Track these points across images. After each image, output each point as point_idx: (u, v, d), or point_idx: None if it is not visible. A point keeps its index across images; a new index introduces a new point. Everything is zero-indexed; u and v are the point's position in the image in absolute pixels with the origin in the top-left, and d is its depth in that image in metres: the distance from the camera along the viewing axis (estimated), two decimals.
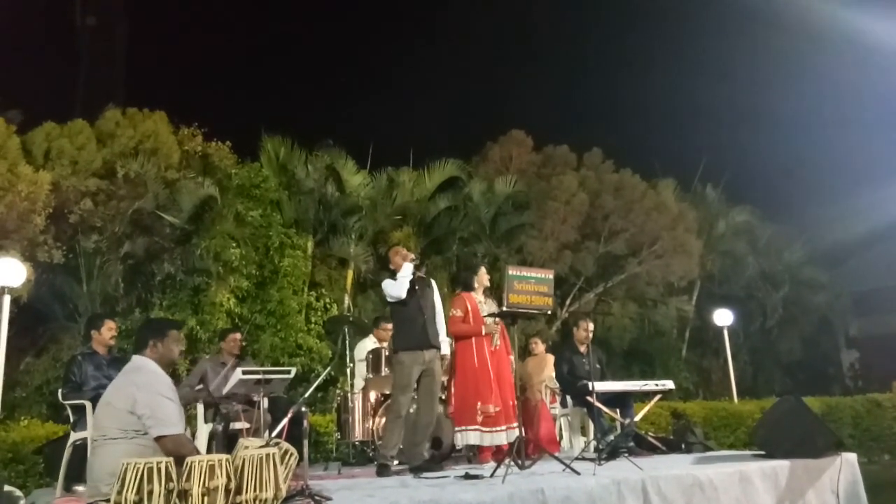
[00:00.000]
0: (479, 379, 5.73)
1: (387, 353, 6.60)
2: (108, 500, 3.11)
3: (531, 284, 5.21)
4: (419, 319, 5.48)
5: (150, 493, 3.01)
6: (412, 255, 5.74)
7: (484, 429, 5.62)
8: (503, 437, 5.60)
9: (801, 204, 20.57)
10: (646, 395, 6.98)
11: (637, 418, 6.81)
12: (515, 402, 5.54)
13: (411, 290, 5.48)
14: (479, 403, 5.65)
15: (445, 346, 5.79)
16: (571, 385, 6.94)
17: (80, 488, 4.87)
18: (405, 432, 5.44)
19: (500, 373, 5.77)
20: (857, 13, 16.67)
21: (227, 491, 3.14)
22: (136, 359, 3.77)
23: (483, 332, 5.83)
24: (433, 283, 5.89)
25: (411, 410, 5.63)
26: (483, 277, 6.11)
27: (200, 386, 6.10)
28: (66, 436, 5.37)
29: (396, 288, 5.48)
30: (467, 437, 5.68)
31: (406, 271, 5.52)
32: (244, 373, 5.14)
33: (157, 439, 3.43)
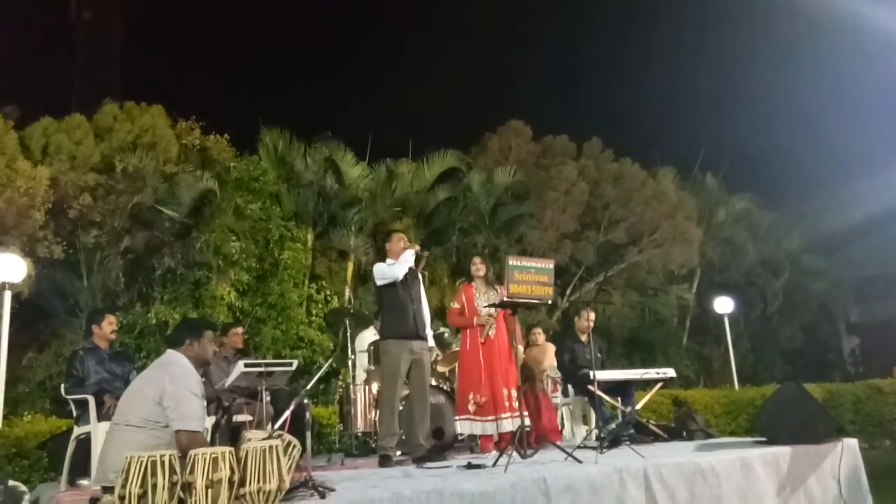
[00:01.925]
0: (470, 369, 5.77)
1: (379, 343, 6.59)
2: (113, 489, 3.13)
3: (531, 274, 5.20)
4: (409, 308, 5.47)
5: (154, 486, 3.02)
6: (417, 246, 5.73)
7: (475, 418, 5.66)
8: (492, 426, 5.62)
9: (801, 191, 20.57)
10: (647, 384, 6.99)
11: (638, 406, 6.82)
12: (513, 393, 5.54)
13: (403, 279, 5.47)
14: (470, 393, 5.70)
15: (431, 338, 5.79)
16: (573, 374, 6.95)
17: (84, 482, 4.90)
18: (402, 424, 5.46)
19: (492, 363, 5.77)
20: (856, 1, 16.61)
21: (231, 483, 3.15)
22: (171, 353, 3.85)
23: (474, 324, 5.84)
24: (419, 275, 5.89)
25: (403, 402, 5.65)
26: (472, 268, 6.09)
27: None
28: (70, 430, 5.38)
29: (394, 269, 5.45)
30: (462, 426, 5.76)
31: (409, 255, 5.52)
32: (246, 365, 5.15)
33: (176, 432, 3.50)
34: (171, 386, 3.58)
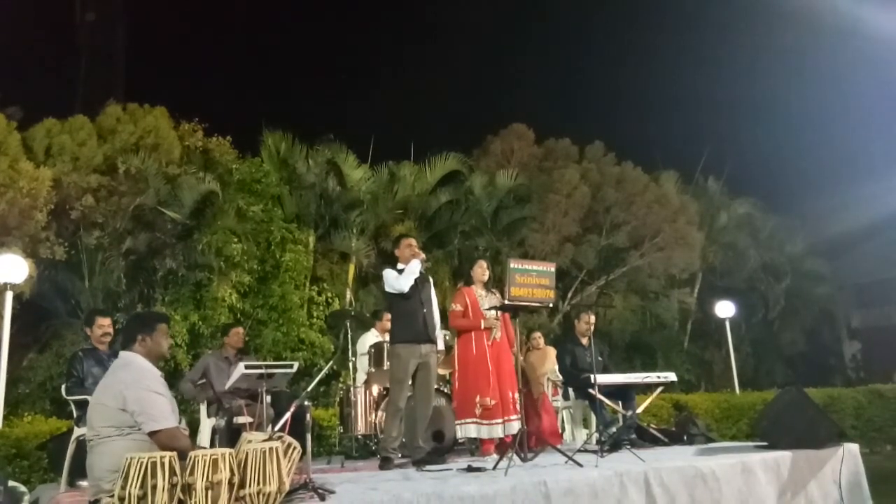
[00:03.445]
0: (477, 372, 5.75)
1: (389, 347, 6.60)
2: (111, 496, 3.12)
3: (533, 277, 5.22)
4: (419, 313, 5.50)
5: (154, 487, 3.02)
6: (424, 255, 5.73)
7: (482, 422, 5.65)
8: (500, 429, 5.62)
9: (803, 195, 20.57)
10: (648, 388, 6.99)
11: (639, 410, 6.82)
12: (517, 395, 5.54)
13: (413, 285, 5.50)
14: (477, 396, 5.68)
15: (441, 340, 5.80)
16: (574, 377, 6.95)
17: (84, 483, 4.89)
18: (405, 426, 5.47)
19: (499, 366, 5.78)
20: (858, 5, 16.62)
21: (231, 485, 3.16)
22: (124, 355, 3.72)
23: (482, 327, 5.84)
24: (429, 277, 5.91)
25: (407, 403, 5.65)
26: (478, 272, 6.09)
27: (203, 381, 6.12)
28: (70, 431, 5.39)
29: (400, 281, 5.47)
30: (466, 429, 5.74)
31: (414, 267, 5.52)
32: (247, 367, 5.15)
33: (151, 434, 3.40)
34: (129, 390, 3.46)
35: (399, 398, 5.38)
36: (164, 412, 3.49)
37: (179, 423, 3.75)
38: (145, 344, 3.72)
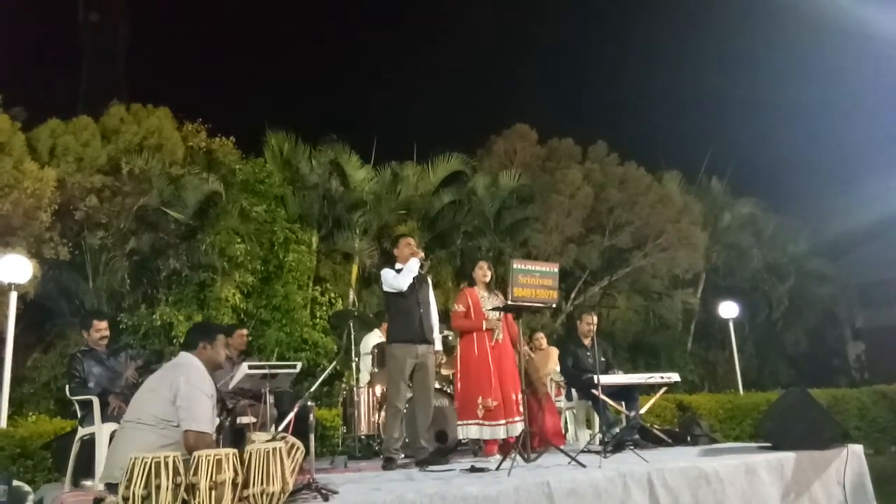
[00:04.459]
0: (479, 373, 5.74)
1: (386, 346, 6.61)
2: (118, 488, 3.14)
3: (536, 278, 5.22)
4: (416, 313, 5.51)
5: (158, 487, 3.04)
6: (422, 254, 5.74)
7: (484, 423, 5.63)
8: (502, 431, 5.61)
9: (806, 195, 20.56)
10: (651, 388, 6.98)
11: (642, 411, 6.81)
12: (519, 396, 5.54)
13: (410, 285, 5.51)
14: (479, 398, 5.66)
15: (438, 342, 5.81)
16: (577, 378, 6.94)
17: (88, 483, 4.92)
18: (406, 427, 5.47)
19: (501, 367, 5.77)
20: (862, 5, 16.59)
21: (235, 485, 3.17)
22: (185, 355, 3.90)
23: (483, 328, 5.83)
24: (428, 278, 5.91)
25: (407, 405, 5.66)
26: (479, 273, 6.09)
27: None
28: (74, 431, 5.39)
29: (398, 280, 5.49)
30: (468, 430, 5.72)
31: (413, 266, 5.54)
32: (250, 367, 5.16)
33: (186, 431, 3.52)
34: (186, 385, 3.62)
35: (397, 398, 5.39)
36: (206, 415, 3.63)
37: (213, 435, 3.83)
38: (205, 351, 3.92)
